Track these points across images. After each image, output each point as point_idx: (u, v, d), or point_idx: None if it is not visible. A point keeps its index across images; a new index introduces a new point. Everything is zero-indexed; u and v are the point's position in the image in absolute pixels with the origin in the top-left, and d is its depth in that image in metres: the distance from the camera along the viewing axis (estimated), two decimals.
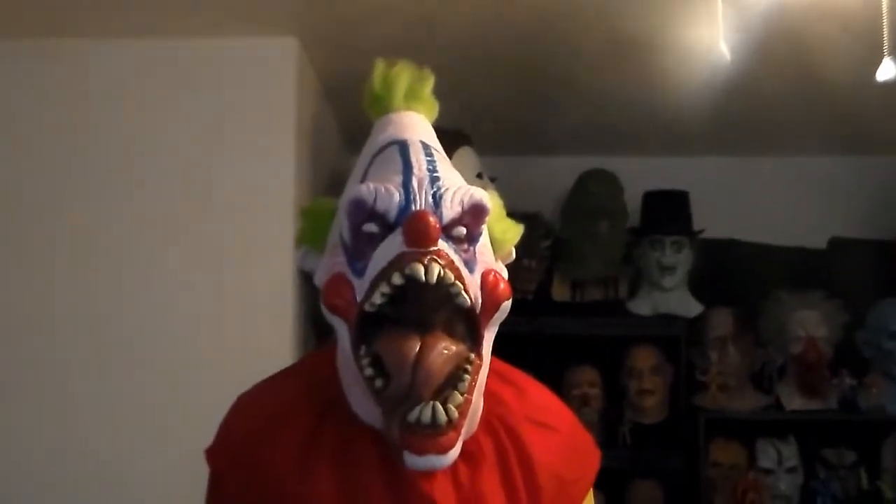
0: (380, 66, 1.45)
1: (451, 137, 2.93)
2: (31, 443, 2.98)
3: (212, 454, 1.44)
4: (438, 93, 1.48)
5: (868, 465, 3.88)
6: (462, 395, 1.28)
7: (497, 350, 1.42)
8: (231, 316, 2.99)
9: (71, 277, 3.03)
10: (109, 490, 2.93)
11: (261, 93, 3.06)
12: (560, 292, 4.01)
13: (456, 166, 1.43)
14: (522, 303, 3.77)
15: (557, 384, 3.81)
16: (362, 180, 1.36)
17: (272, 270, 2.98)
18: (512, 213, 1.49)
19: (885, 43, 2.31)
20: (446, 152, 1.45)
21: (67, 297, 3.03)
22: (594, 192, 3.97)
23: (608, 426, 3.90)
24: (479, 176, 3.48)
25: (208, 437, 1.46)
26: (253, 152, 3.05)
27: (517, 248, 1.48)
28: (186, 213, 3.04)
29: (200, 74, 3.07)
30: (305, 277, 2.20)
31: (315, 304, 1.38)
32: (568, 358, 3.97)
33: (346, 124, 3.75)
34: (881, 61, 2.44)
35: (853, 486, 3.82)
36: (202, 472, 1.45)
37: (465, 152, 3.49)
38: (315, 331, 3.22)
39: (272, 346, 2.89)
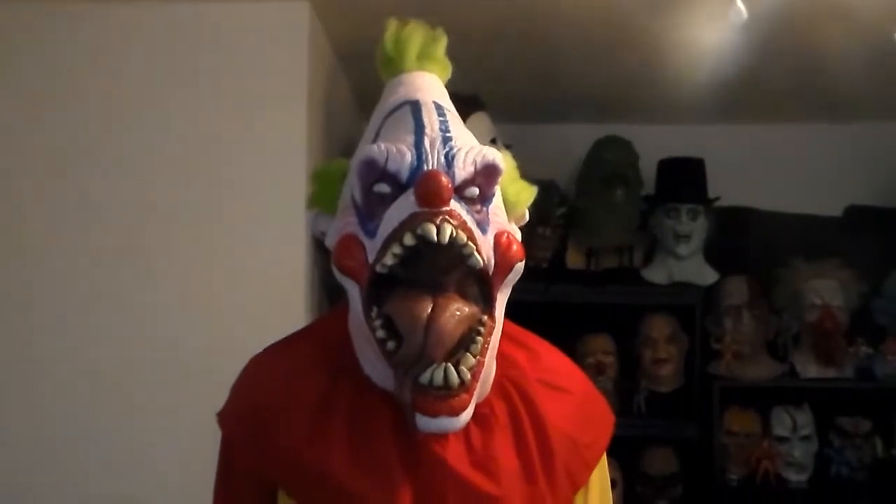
0: (392, 26, 1.44)
1: (465, 102, 2.91)
2: (46, 420, 2.99)
3: (224, 418, 1.44)
4: (451, 58, 1.47)
5: (883, 433, 3.86)
6: (475, 357, 1.28)
7: (512, 318, 1.42)
8: (244, 282, 2.97)
9: (80, 247, 3.01)
10: (126, 457, 2.93)
11: (272, 57, 3.03)
12: (575, 260, 4.00)
13: (470, 131, 1.42)
14: (537, 271, 3.76)
15: (572, 352, 3.79)
16: (374, 141, 1.35)
17: (285, 237, 2.96)
18: (526, 181, 1.47)
19: None
20: (461, 117, 1.44)
21: (76, 266, 3.01)
22: (609, 159, 3.94)
23: (623, 394, 3.89)
24: (494, 142, 3.45)
25: (222, 403, 1.46)
26: (265, 118, 3.02)
27: (531, 215, 1.47)
28: (198, 180, 3.02)
29: (211, 39, 3.04)
30: (318, 243, 2.19)
31: (328, 270, 1.38)
32: (583, 326, 3.96)
33: (359, 89, 3.72)
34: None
35: (868, 454, 3.81)
36: (217, 438, 1.45)
37: (480, 117, 3.47)
38: (328, 296, 3.21)
39: (285, 311, 2.87)
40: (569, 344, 3.76)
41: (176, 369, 2.94)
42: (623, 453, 3.61)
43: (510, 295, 1.37)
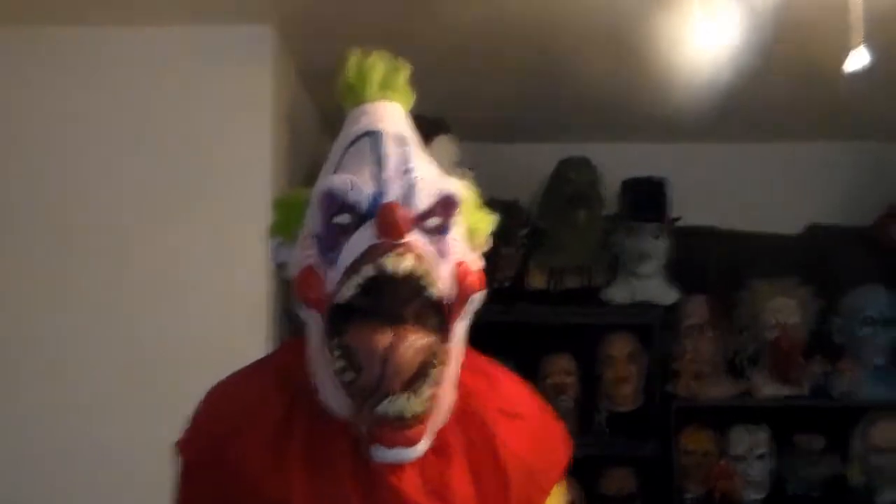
0: (354, 57, 1.45)
1: (429, 125, 2.91)
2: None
3: (182, 447, 1.44)
4: (417, 79, 1.48)
5: (838, 450, 3.91)
6: (431, 387, 1.29)
7: (473, 338, 1.43)
8: (206, 308, 2.98)
9: (40, 274, 3.02)
10: (84, 485, 2.92)
11: (236, 82, 3.04)
12: (536, 280, 4.01)
13: (434, 155, 1.43)
14: (499, 291, 3.78)
15: (533, 372, 3.82)
16: (335, 172, 1.37)
17: (249, 262, 2.94)
18: (489, 201, 1.49)
19: (861, 32, 2.32)
20: (424, 140, 1.45)
21: (36, 294, 3.02)
22: (572, 179, 3.97)
23: (584, 414, 3.91)
24: (458, 164, 3.47)
25: (181, 428, 1.46)
26: (229, 142, 3.03)
27: (494, 236, 1.49)
28: (161, 204, 3.02)
29: (174, 63, 3.06)
30: (281, 269, 2.22)
31: (290, 297, 1.39)
32: (544, 346, 3.98)
33: (325, 111, 3.74)
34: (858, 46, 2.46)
35: (823, 472, 3.86)
36: (175, 466, 1.46)
37: (444, 140, 3.47)
38: (290, 323, 3.21)
39: (247, 338, 2.87)
40: (530, 364, 3.80)
41: (137, 398, 2.93)
42: (583, 473, 3.63)
43: (472, 316, 1.39)
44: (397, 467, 1.31)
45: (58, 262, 3.02)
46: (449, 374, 1.33)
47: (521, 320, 3.87)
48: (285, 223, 1.43)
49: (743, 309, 3.98)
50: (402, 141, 1.38)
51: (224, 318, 2.96)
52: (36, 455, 2.95)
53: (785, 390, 3.88)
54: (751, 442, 3.85)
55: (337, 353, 1.29)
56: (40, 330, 3.00)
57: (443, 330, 1.32)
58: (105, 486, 2.92)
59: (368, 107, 1.44)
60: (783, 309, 3.89)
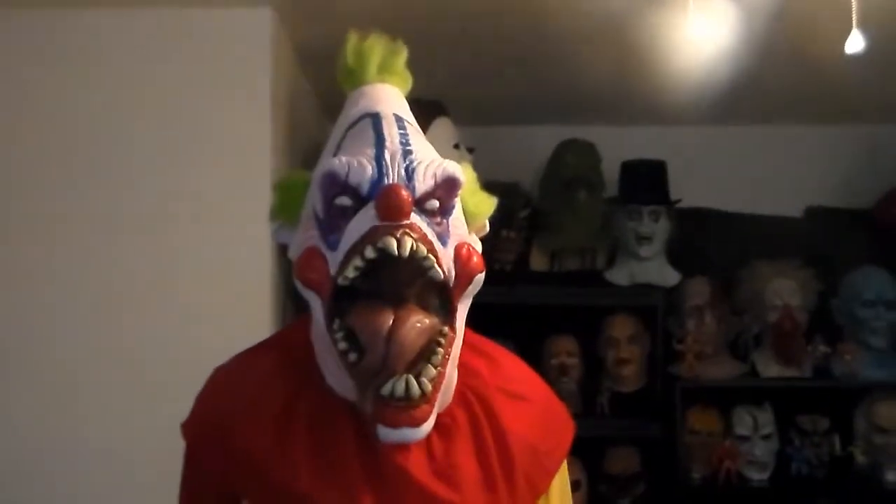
0: (352, 39, 1.45)
1: (427, 108, 2.91)
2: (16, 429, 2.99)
3: (188, 428, 1.45)
4: (415, 62, 1.48)
5: (841, 431, 3.92)
6: (435, 368, 1.29)
7: (477, 320, 1.43)
8: (208, 289, 2.97)
9: (42, 256, 3.01)
10: (93, 464, 2.93)
11: (235, 64, 3.03)
12: (538, 262, 4.01)
13: (432, 137, 1.44)
14: (501, 273, 3.79)
15: (536, 354, 3.83)
16: (335, 154, 1.37)
17: (250, 243, 2.94)
18: (490, 184, 1.49)
19: (854, 15, 2.32)
20: (423, 123, 1.46)
21: (39, 276, 3.01)
22: (572, 162, 3.96)
23: (587, 395, 3.92)
24: (456, 147, 3.46)
25: (187, 411, 1.47)
26: (228, 124, 3.02)
27: (496, 218, 1.49)
28: (161, 187, 3.01)
29: (173, 45, 3.04)
30: (283, 250, 2.22)
31: (292, 277, 1.39)
32: (547, 327, 3.98)
33: (323, 93, 3.73)
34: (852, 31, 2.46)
35: (826, 452, 3.86)
36: (180, 446, 1.46)
37: (442, 123, 3.47)
38: (294, 301, 3.22)
39: (251, 319, 2.87)
40: (533, 345, 3.81)
41: (141, 376, 2.93)
42: (587, 452, 3.64)
43: (475, 297, 1.39)
44: (403, 448, 1.32)
45: (61, 244, 3.01)
46: (452, 356, 1.33)
47: (524, 302, 3.86)
48: (286, 205, 1.43)
49: (744, 290, 3.98)
50: (401, 123, 1.38)
51: (226, 302, 2.95)
52: (36, 455, 2.95)
53: (787, 371, 3.88)
54: (755, 422, 3.86)
55: (340, 334, 1.29)
56: (42, 305, 3.00)
57: (445, 311, 1.32)
58: (104, 488, 2.92)
59: (367, 89, 1.44)
60: (784, 290, 3.89)
